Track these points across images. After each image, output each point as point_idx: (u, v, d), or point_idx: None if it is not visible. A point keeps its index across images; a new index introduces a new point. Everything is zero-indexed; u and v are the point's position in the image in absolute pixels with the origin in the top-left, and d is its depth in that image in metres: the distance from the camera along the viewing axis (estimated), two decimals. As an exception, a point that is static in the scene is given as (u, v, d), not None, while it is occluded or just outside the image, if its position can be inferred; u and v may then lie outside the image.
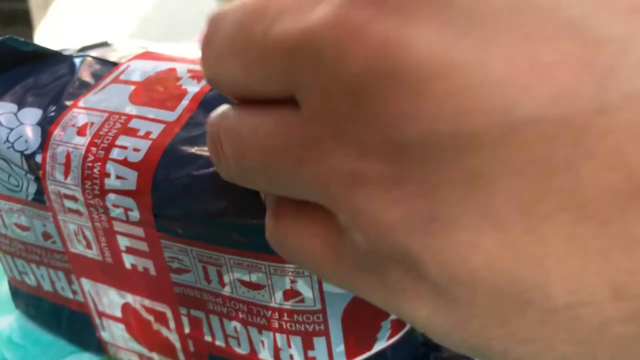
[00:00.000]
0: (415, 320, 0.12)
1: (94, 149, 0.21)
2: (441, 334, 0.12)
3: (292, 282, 0.19)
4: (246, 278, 0.20)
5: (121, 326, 0.25)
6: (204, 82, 0.22)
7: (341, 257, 0.12)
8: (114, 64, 0.25)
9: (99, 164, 0.21)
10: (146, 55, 0.25)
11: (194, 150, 0.19)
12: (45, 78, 0.25)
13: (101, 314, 0.25)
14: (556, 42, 0.09)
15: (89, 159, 0.21)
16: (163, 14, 1.40)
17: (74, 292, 0.25)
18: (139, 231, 0.21)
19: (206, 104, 0.21)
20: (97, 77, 0.24)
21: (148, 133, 0.20)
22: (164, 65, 0.23)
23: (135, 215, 0.20)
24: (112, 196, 0.20)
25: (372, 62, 0.10)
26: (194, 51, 0.25)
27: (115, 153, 0.20)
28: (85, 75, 0.24)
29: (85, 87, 0.24)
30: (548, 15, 0.09)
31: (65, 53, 0.26)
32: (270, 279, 0.19)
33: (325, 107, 0.11)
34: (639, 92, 0.08)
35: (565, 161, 0.09)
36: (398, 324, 0.21)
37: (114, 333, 0.25)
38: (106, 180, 0.20)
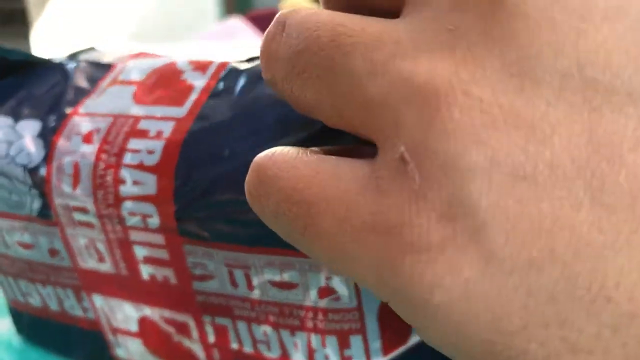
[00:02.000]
0: (431, 306, 0.11)
1: (104, 156, 0.20)
2: (464, 324, 0.11)
3: (327, 278, 0.18)
4: (277, 278, 0.19)
5: (138, 341, 0.24)
6: (210, 73, 0.21)
7: (358, 207, 0.12)
8: (109, 66, 0.24)
9: (112, 171, 0.20)
10: (142, 55, 0.24)
11: (212, 144, 0.19)
12: (39, 88, 0.23)
13: (115, 331, 0.24)
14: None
15: (100, 167, 0.20)
16: (162, 13, 1.39)
17: (85, 310, 0.24)
18: (159, 238, 0.20)
19: (216, 95, 0.20)
20: (94, 81, 0.23)
21: (159, 133, 0.20)
22: (162, 61, 0.22)
23: (154, 221, 0.19)
24: (128, 204, 0.19)
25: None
26: (193, 52, 0.24)
27: (128, 158, 0.19)
28: (81, 81, 0.23)
29: (82, 92, 0.22)
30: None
31: (54, 61, 0.25)
32: (305, 277, 0.18)
33: (435, 12, 0.12)
34: None
35: None
36: (430, 315, 0.21)
37: (130, 349, 0.24)
38: (121, 188, 0.19)
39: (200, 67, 0.21)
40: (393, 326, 0.20)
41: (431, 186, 0.11)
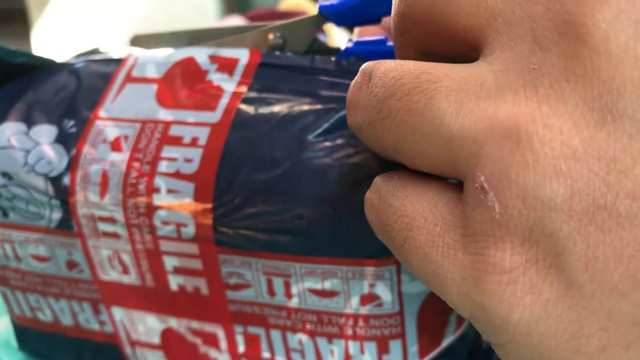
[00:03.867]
0: (508, 323, 0.12)
1: (136, 164, 0.19)
2: (537, 346, 0.11)
3: (371, 285, 0.18)
4: (318, 286, 0.19)
5: (159, 354, 0.23)
6: (238, 77, 0.20)
7: (444, 226, 0.13)
8: (120, 60, 0.23)
9: (145, 179, 0.19)
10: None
11: (253, 152, 0.18)
12: (48, 90, 0.22)
13: (134, 343, 0.23)
14: None
15: (132, 176, 0.19)
16: (162, 13, 1.35)
17: (102, 323, 0.23)
18: (193, 248, 0.19)
19: (249, 101, 0.20)
20: (106, 78, 0.22)
21: (195, 140, 0.19)
22: (178, 56, 0.22)
23: (189, 231, 0.19)
24: (162, 213, 0.19)
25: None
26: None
27: (163, 166, 0.19)
28: (92, 80, 0.22)
29: (96, 92, 0.22)
30: None
31: (60, 62, 0.24)
32: (347, 285, 0.18)
33: (522, 51, 0.12)
34: None
35: None
36: (460, 317, 0.21)
37: (150, 362, 0.23)
38: (155, 196, 0.19)
39: (225, 67, 0.21)
40: (429, 330, 0.20)
41: (512, 215, 0.11)
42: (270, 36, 0.22)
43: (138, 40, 0.26)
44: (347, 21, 0.22)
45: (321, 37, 0.23)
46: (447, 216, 0.13)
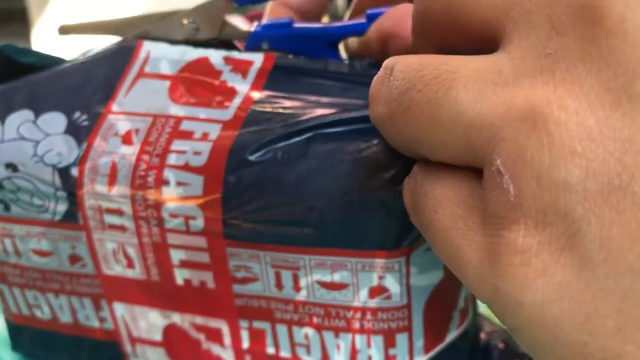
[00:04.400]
0: (523, 305, 0.12)
1: (146, 157, 0.19)
2: (551, 328, 0.11)
3: (380, 278, 0.18)
4: (327, 279, 0.19)
5: (161, 351, 0.23)
6: (251, 79, 0.21)
7: (464, 209, 0.13)
8: (131, 54, 0.22)
9: (154, 172, 0.19)
10: None
11: (264, 147, 0.18)
12: (54, 78, 0.22)
13: (135, 340, 0.23)
14: None
15: (141, 168, 0.19)
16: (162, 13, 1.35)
17: (102, 320, 0.23)
18: (200, 241, 0.19)
19: (262, 102, 0.20)
20: (118, 70, 0.22)
21: (205, 134, 0.19)
22: (192, 55, 0.22)
23: (198, 224, 0.19)
24: (170, 205, 0.19)
25: None
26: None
27: (172, 159, 0.19)
28: (103, 72, 0.22)
29: (108, 84, 0.21)
30: None
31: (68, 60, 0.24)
32: (356, 277, 0.18)
33: (540, 38, 0.12)
34: None
35: None
36: (463, 313, 0.21)
37: (150, 359, 0.23)
38: (164, 189, 0.19)
39: (239, 68, 0.21)
40: (434, 324, 0.20)
41: (526, 196, 0.11)
42: (184, 22, 0.23)
43: (65, 30, 0.26)
44: (247, 0, 0.23)
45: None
46: (468, 199, 0.13)
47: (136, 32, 0.23)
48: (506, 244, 0.12)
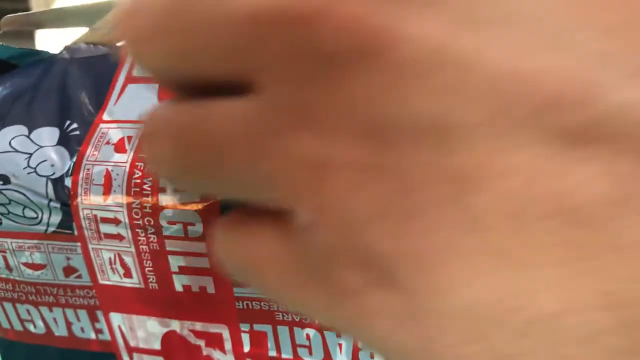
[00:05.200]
0: (373, 338, 0.10)
1: (140, 164, 0.19)
2: (401, 354, 0.10)
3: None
4: (328, 278, 0.19)
5: None
6: None
7: (289, 267, 0.11)
8: (116, 54, 0.22)
9: (150, 179, 0.19)
10: None
11: None
12: (45, 91, 0.22)
13: (132, 350, 0.23)
14: (549, 52, 0.09)
15: (136, 176, 0.19)
16: None
17: (98, 331, 0.23)
18: (199, 247, 0.19)
19: None
20: (106, 78, 0.22)
21: None
22: None
23: (197, 229, 0.19)
24: (168, 212, 0.19)
25: (355, 36, 0.09)
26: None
27: None
28: (92, 79, 0.22)
29: (98, 93, 0.21)
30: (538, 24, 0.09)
31: (49, 54, 0.24)
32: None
33: (291, 88, 0.10)
34: (629, 103, 0.08)
35: None
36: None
37: (149, 369, 0.23)
38: (161, 196, 0.19)
39: None
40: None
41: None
42: None
43: (9, 23, 0.26)
44: None
45: None
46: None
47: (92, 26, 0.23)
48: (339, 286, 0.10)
